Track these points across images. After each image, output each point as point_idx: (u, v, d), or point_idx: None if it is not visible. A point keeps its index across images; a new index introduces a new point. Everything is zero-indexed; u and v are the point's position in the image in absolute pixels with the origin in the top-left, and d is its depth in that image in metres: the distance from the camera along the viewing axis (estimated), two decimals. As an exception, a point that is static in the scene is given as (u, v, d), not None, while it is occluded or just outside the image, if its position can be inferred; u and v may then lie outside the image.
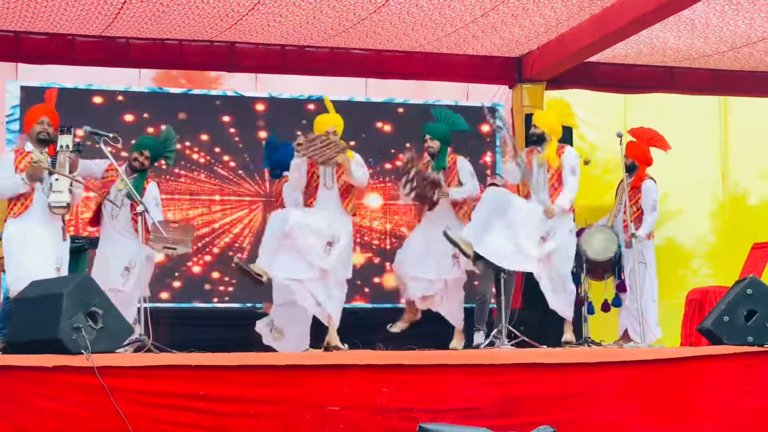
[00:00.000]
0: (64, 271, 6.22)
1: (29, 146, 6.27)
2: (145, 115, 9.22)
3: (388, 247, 9.53)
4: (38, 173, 6.08)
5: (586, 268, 7.63)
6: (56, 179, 6.04)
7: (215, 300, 9.13)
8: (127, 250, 6.76)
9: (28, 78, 9.04)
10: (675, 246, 10.77)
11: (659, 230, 9.21)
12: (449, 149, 7.49)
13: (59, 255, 6.20)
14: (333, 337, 6.89)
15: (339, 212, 6.98)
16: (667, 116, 10.52)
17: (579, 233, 7.83)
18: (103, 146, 6.15)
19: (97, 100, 9.20)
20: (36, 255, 6.07)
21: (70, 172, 6.09)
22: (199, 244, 9.13)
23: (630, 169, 7.71)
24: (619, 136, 7.36)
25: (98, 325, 5.25)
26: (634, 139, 7.86)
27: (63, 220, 6.29)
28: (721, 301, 6.51)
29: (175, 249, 6.45)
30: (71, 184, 6.07)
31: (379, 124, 9.81)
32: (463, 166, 7.49)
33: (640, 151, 7.76)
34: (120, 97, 9.24)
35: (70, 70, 9.18)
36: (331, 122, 7.13)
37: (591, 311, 7.70)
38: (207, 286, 9.18)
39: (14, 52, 8.99)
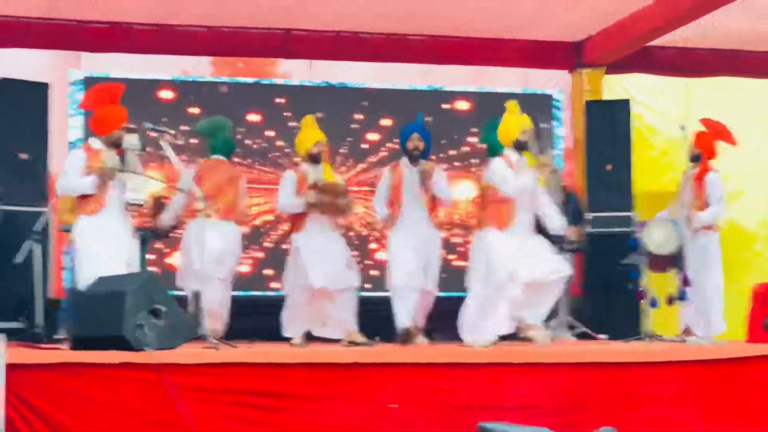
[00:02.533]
0: (134, 266, 6.29)
1: (96, 143, 6.31)
2: (196, 101, 9.26)
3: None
4: (110, 176, 6.12)
5: (647, 261, 7.54)
6: (130, 178, 6.10)
7: (273, 288, 9.19)
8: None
9: (89, 67, 9.12)
10: (737, 229, 10.57)
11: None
12: None
13: (131, 252, 6.30)
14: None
15: (331, 227, 7.31)
16: (729, 99, 10.33)
17: (640, 226, 7.74)
18: (162, 143, 6.18)
19: (154, 89, 9.24)
20: (110, 254, 6.15)
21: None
22: (255, 235, 9.19)
23: (694, 159, 7.58)
24: (683, 128, 7.24)
25: (161, 323, 5.31)
26: (701, 129, 7.71)
27: (132, 217, 6.35)
28: (786, 297, 6.40)
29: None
30: (143, 182, 6.17)
31: (446, 107, 9.76)
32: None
33: (708, 142, 7.62)
34: (175, 86, 9.28)
35: (129, 58, 9.25)
36: (318, 137, 7.36)
37: (655, 305, 7.60)
38: (265, 275, 9.24)
39: (75, 41, 9.08)
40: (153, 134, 6.28)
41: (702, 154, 7.62)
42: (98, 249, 6.15)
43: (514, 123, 7.01)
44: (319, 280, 7.09)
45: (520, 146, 6.93)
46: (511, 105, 7.15)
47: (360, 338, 7.16)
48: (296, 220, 7.36)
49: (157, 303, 5.32)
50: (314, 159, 7.34)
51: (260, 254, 9.27)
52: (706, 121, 7.72)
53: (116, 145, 6.30)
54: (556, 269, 6.81)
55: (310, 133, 7.41)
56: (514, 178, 6.79)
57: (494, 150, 7.75)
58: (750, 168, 10.50)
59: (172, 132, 6.32)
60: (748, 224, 10.66)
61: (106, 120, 6.27)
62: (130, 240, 6.33)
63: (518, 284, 6.68)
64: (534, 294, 6.79)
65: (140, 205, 6.26)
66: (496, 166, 6.92)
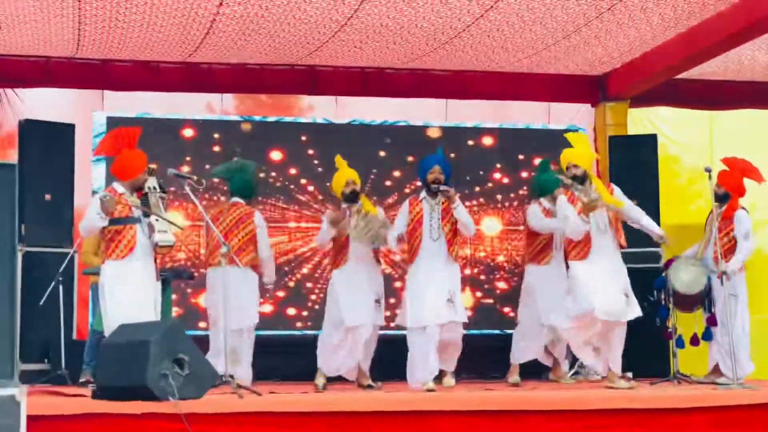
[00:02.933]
0: (159, 309, 6.29)
1: (120, 187, 6.32)
2: (219, 140, 9.28)
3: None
4: (110, 206, 6.09)
5: (674, 300, 7.46)
6: (156, 220, 6.10)
7: (296, 328, 9.16)
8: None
9: (113, 106, 9.16)
10: (763, 257, 10.48)
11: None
12: None
13: (156, 296, 6.30)
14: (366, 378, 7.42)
15: (371, 265, 7.40)
16: (754, 131, 10.26)
17: (667, 265, 7.67)
18: (188, 189, 6.19)
19: (178, 128, 9.25)
20: (138, 300, 6.15)
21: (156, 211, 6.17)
22: (278, 274, 9.16)
23: (722, 198, 7.50)
24: (708, 171, 7.17)
25: (185, 372, 5.28)
26: (725, 168, 7.63)
27: (156, 260, 6.35)
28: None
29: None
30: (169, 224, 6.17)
31: (471, 143, 9.74)
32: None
33: (734, 180, 7.54)
34: (198, 125, 9.29)
35: (153, 97, 9.29)
36: (348, 176, 7.49)
37: (681, 345, 7.52)
38: (288, 314, 9.21)
39: (101, 80, 9.15)
40: (177, 179, 6.28)
41: (728, 193, 7.54)
42: (126, 296, 6.14)
43: (564, 157, 7.12)
44: (351, 318, 7.19)
45: (575, 180, 7.00)
46: (570, 137, 7.23)
47: (367, 381, 7.32)
48: (336, 256, 7.47)
49: (180, 351, 5.29)
50: (350, 198, 7.44)
51: (282, 293, 9.24)
52: (728, 160, 7.62)
53: (138, 188, 6.31)
54: (626, 311, 6.89)
55: (341, 174, 7.54)
56: (575, 216, 6.91)
57: (542, 192, 7.86)
58: (775, 195, 10.41)
59: (195, 178, 6.33)
60: (774, 253, 10.57)
61: (127, 165, 6.29)
62: (155, 283, 6.32)
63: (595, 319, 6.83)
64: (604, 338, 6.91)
65: (170, 247, 6.25)
66: (560, 203, 7.07)
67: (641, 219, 7.19)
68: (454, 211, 7.20)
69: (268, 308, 9.08)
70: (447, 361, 7.29)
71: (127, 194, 6.25)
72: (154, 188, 6.13)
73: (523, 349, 7.92)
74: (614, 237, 7.07)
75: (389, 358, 7.63)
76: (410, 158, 9.50)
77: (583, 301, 6.85)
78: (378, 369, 7.56)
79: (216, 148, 9.25)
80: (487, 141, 9.77)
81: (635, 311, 6.90)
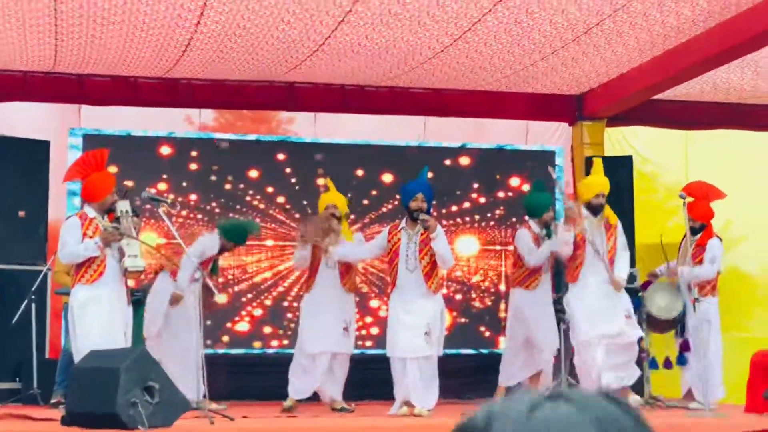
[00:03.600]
0: (129, 333, 6.26)
1: (91, 212, 6.28)
2: (196, 157, 9.24)
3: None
4: (112, 239, 6.08)
5: (647, 323, 7.50)
6: (127, 244, 6.06)
7: (272, 346, 9.13)
8: None
9: (91, 121, 9.11)
10: (740, 274, 10.53)
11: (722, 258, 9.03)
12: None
13: (127, 320, 6.27)
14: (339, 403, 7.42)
15: (339, 291, 7.38)
16: (730, 150, 10.31)
17: (644, 287, 7.70)
18: (161, 213, 6.15)
19: (155, 145, 9.20)
20: (108, 325, 6.12)
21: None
22: (255, 292, 9.15)
23: (699, 230, 7.56)
24: (682, 197, 7.19)
25: (155, 400, 5.26)
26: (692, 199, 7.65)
27: (126, 284, 6.31)
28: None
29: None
30: (140, 248, 6.14)
31: (448, 162, 9.73)
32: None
33: (703, 209, 7.59)
34: (175, 142, 9.25)
35: (131, 113, 9.25)
36: (332, 200, 7.53)
37: (654, 366, 7.55)
38: (264, 333, 9.18)
39: (78, 94, 9.10)
40: (152, 202, 6.26)
41: (705, 223, 7.59)
42: (95, 321, 6.10)
43: (597, 184, 7.24)
44: (313, 345, 7.23)
45: (591, 208, 7.05)
46: (596, 163, 7.26)
47: (340, 404, 7.31)
48: (306, 281, 7.54)
49: (149, 378, 5.27)
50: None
51: (259, 312, 9.20)
52: (691, 190, 7.60)
53: (109, 211, 6.27)
54: (625, 332, 6.98)
55: (325, 197, 7.62)
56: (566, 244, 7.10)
57: (531, 213, 7.87)
58: (753, 214, 10.46)
59: (169, 201, 6.30)
60: (751, 270, 10.60)
61: (96, 186, 6.25)
62: (126, 307, 6.28)
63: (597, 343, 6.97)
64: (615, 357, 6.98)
65: (140, 272, 6.21)
66: (560, 229, 7.22)
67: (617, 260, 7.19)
68: (432, 242, 6.95)
69: (244, 326, 9.06)
70: (423, 392, 6.91)
71: (98, 218, 6.21)
72: (126, 212, 6.09)
73: (511, 373, 7.92)
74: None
75: (365, 378, 7.63)
76: (388, 177, 9.50)
77: (577, 331, 7.04)
78: (353, 389, 7.55)
79: (193, 166, 9.20)
80: (464, 161, 9.78)
81: (633, 333, 7.03)
